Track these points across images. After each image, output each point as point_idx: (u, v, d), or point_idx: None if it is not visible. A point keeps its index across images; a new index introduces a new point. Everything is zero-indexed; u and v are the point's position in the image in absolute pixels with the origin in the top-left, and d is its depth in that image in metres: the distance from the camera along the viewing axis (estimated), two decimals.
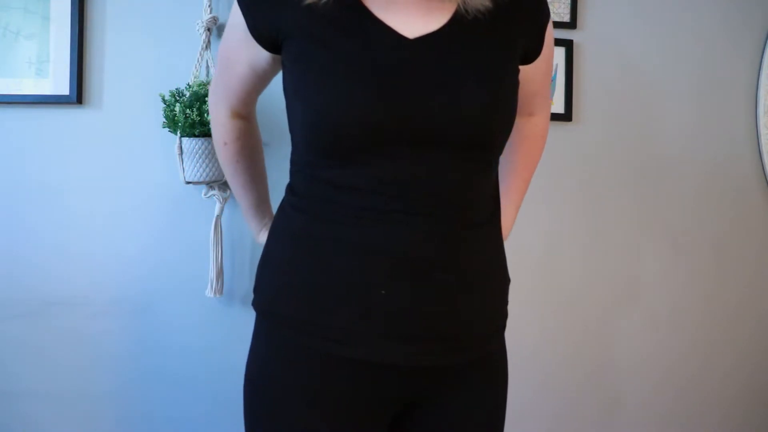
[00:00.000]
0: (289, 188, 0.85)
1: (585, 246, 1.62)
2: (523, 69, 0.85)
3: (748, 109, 1.67)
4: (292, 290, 0.78)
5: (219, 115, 0.98)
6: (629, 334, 1.64)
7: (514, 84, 0.81)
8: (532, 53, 0.86)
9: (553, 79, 1.57)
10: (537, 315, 1.61)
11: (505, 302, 0.88)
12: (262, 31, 0.80)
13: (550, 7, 1.57)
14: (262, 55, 0.83)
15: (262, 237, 1.10)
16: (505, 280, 0.88)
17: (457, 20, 0.75)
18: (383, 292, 0.74)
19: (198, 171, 1.35)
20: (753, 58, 1.66)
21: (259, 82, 0.91)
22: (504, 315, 0.88)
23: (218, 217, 1.42)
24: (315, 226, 0.77)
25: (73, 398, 1.45)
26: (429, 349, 0.76)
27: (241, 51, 0.85)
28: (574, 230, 1.61)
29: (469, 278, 0.78)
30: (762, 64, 1.65)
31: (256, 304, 0.85)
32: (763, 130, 1.65)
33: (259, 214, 1.10)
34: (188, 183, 1.38)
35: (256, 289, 0.85)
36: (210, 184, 1.41)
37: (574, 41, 1.58)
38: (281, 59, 0.82)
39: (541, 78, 0.94)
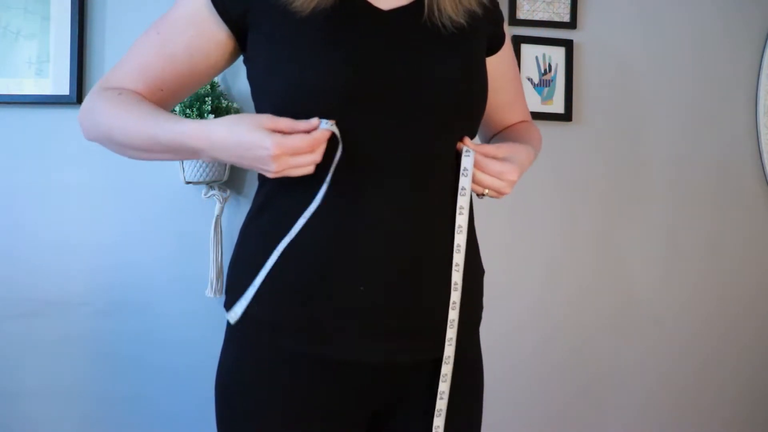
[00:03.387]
0: (258, 193, 0.82)
1: (584, 246, 1.62)
2: (492, 75, 0.87)
3: (748, 109, 1.67)
4: (264, 290, 0.75)
5: (113, 86, 0.79)
6: (629, 335, 1.64)
7: (481, 56, 0.84)
8: (496, 40, 0.90)
9: (553, 79, 1.57)
10: (535, 316, 1.61)
11: (482, 294, 0.86)
12: (229, 5, 0.76)
13: (550, 7, 1.57)
14: (213, 37, 0.78)
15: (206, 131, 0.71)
16: (480, 271, 0.86)
17: None
18: (362, 288, 0.72)
19: (198, 171, 1.35)
20: (753, 58, 1.66)
21: (188, 74, 0.79)
22: (481, 307, 0.86)
23: (218, 217, 1.42)
24: (285, 221, 0.75)
25: (73, 398, 1.45)
26: (410, 345, 0.75)
27: (187, 28, 0.77)
28: (573, 230, 1.61)
29: (447, 269, 0.77)
30: (762, 64, 1.65)
31: (228, 305, 0.81)
32: (763, 130, 1.65)
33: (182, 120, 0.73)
34: (188, 183, 1.38)
35: (227, 290, 0.82)
36: (210, 184, 1.41)
37: (574, 41, 1.58)
38: (245, 49, 0.78)
39: (510, 85, 0.96)
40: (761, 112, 1.65)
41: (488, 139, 1.02)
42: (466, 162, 0.75)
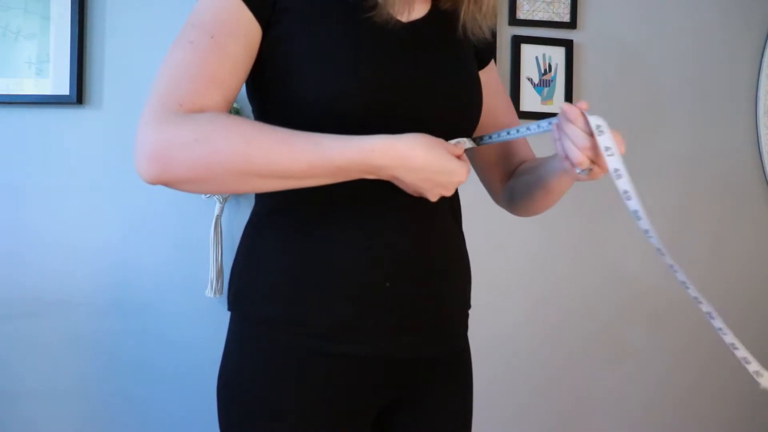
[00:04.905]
0: (267, 196, 0.81)
1: (584, 247, 1.62)
2: (484, 92, 0.88)
3: (748, 109, 1.67)
4: (284, 289, 0.76)
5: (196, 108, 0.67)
6: (629, 336, 1.64)
7: (477, 71, 0.89)
8: (484, 53, 0.92)
9: (553, 79, 1.57)
10: (535, 317, 1.61)
11: (470, 289, 0.91)
12: (259, 5, 0.73)
13: (550, 7, 1.57)
14: (257, 39, 0.74)
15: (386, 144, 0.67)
16: (469, 267, 0.90)
17: (434, 11, 0.84)
18: (388, 284, 0.75)
19: None
20: (753, 58, 1.66)
21: (245, 71, 0.73)
22: (469, 303, 0.90)
23: (218, 217, 1.42)
24: (304, 222, 0.76)
25: (73, 398, 1.45)
26: (426, 338, 0.79)
27: (240, 30, 0.71)
28: (573, 230, 1.61)
29: (454, 265, 0.83)
30: (762, 64, 1.65)
31: (238, 307, 0.80)
32: (763, 130, 1.65)
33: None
34: None
35: (238, 293, 0.81)
36: None
37: (574, 41, 1.58)
38: (264, 40, 0.75)
39: (505, 107, 0.96)
40: (761, 112, 1.65)
41: (512, 171, 0.98)
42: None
